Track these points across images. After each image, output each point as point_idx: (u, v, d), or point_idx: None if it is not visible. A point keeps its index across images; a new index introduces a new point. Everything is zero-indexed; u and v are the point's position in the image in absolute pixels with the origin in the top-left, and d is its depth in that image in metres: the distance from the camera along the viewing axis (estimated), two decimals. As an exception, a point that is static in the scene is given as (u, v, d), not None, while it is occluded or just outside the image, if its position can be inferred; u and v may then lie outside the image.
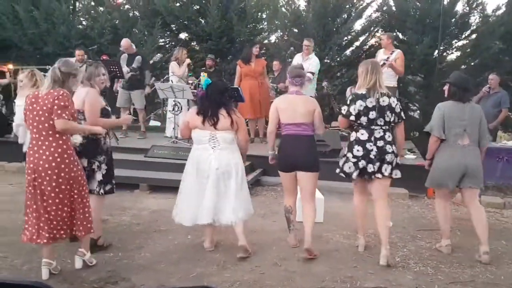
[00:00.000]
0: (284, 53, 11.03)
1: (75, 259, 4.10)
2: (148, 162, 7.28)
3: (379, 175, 4.41)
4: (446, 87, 4.74)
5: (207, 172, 4.46)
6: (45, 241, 3.85)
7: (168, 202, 6.12)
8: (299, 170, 4.61)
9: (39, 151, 3.79)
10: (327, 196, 5.81)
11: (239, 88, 8.01)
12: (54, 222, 3.84)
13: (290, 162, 4.63)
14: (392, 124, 4.46)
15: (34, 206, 3.84)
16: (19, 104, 5.24)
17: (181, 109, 8.37)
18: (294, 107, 4.57)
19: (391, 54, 7.85)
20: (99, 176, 4.54)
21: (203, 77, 9.18)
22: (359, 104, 4.37)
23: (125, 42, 8.86)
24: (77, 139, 4.39)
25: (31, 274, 4.03)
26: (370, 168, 4.41)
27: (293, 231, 4.81)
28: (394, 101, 4.42)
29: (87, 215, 4.00)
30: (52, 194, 3.80)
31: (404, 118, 4.51)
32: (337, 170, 4.63)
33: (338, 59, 11.60)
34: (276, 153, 4.76)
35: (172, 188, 6.52)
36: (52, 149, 3.77)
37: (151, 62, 9.75)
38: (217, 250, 4.61)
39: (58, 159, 3.77)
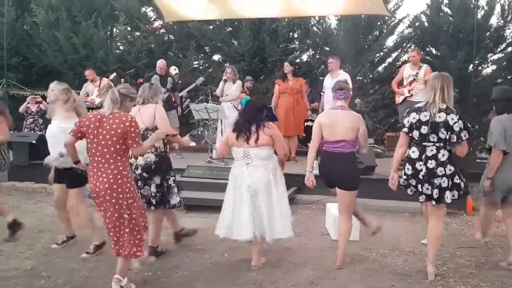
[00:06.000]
0: (316, 71, 11.11)
1: (112, 286, 3.99)
2: (184, 182, 7.37)
3: (433, 202, 4.25)
4: (494, 107, 4.70)
5: (241, 188, 4.53)
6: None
7: (204, 221, 6.19)
8: (337, 187, 4.64)
9: (98, 173, 3.90)
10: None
11: (272, 107, 8.08)
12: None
13: (328, 179, 4.70)
14: (450, 143, 4.17)
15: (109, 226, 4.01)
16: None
17: (216, 129, 8.49)
18: (336, 124, 4.54)
19: (419, 69, 7.81)
20: (176, 190, 4.85)
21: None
22: (412, 117, 4.24)
23: (162, 63, 9.09)
24: (151, 158, 4.54)
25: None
26: (420, 189, 4.28)
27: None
28: (453, 118, 4.11)
29: (136, 239, 4.00)
30: (108, 214, 3.95)
31: (463, 138, 4.15)
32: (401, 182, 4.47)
33: (371, 75, 11.59)
34: (313, 171, 4.70)
35: (208, 207, 6.61)
36: (109, 170, 3.86)
37: (194, 85, 10.13)
38: (253, 269, 4.63)
39: (112, 180, 3.85)
